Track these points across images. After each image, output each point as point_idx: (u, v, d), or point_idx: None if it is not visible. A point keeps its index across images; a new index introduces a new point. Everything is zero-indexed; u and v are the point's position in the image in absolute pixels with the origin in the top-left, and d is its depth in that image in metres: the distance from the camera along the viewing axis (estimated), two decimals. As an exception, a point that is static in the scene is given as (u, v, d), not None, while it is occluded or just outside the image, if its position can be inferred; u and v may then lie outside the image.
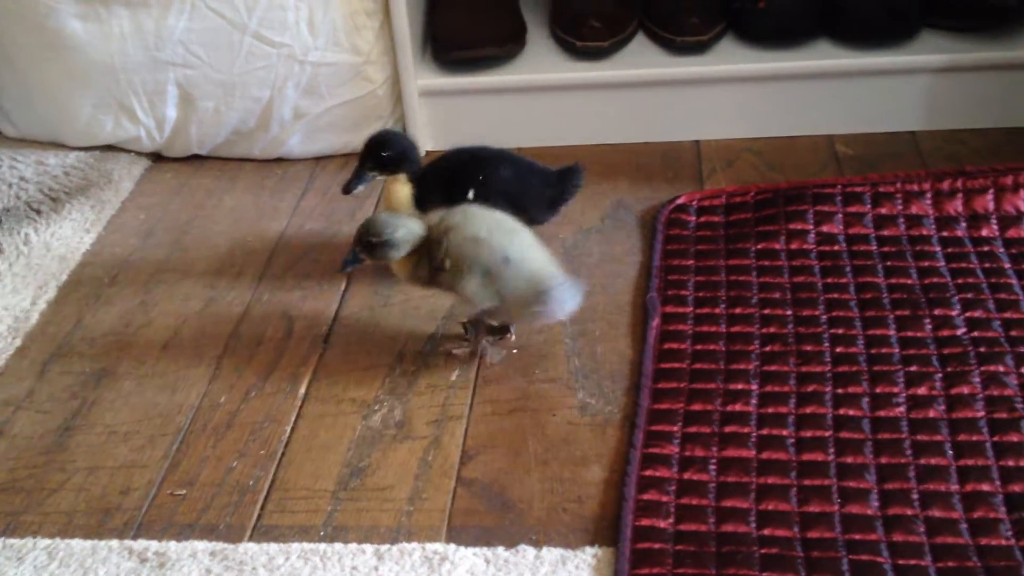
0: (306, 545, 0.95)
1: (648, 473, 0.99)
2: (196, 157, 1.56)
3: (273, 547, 0.95)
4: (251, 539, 0.97)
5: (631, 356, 1.15)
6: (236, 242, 1.38)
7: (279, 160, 1.55)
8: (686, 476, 0.98)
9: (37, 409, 1.13)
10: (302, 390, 1.13)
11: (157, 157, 1.57)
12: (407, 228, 1.10)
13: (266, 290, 1.29)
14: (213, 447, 1.07)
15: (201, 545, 0.96)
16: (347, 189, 1.21)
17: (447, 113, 1.54)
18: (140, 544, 0.96)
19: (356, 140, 1.52)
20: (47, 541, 0.97)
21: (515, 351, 1.17)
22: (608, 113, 1.53)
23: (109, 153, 1.56)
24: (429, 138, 1.55)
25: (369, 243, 1.10)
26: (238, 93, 1.49)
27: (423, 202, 1.21)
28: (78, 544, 0.97)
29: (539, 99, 1.53)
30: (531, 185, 1.23)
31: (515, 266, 1.08)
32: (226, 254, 1.36)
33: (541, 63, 1.55)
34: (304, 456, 1.05)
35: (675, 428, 1.04)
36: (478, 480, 1.01)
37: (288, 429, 1.09)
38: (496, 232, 1.09)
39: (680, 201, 1.37)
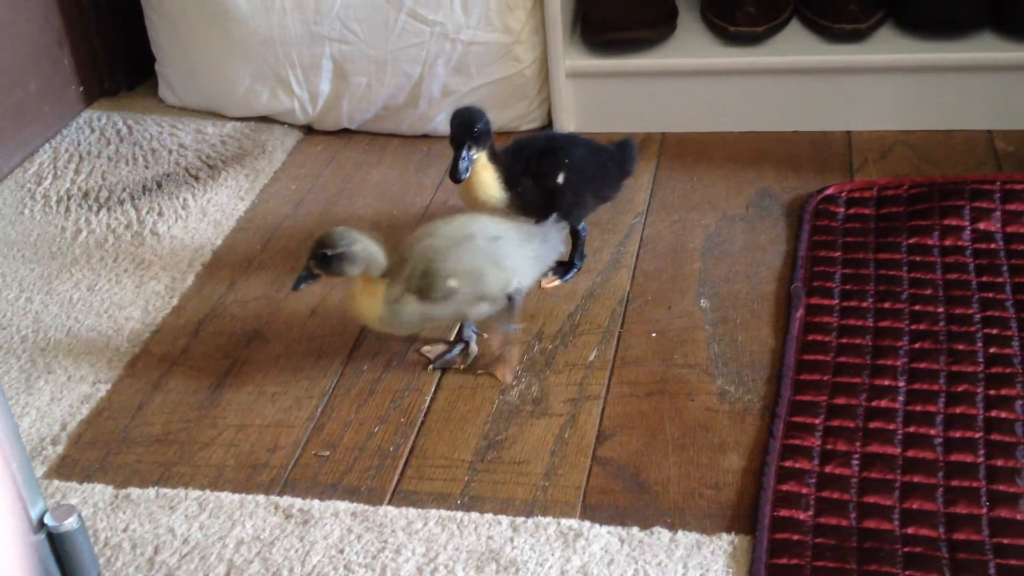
0: (443, 512, 0.97)
1: (788, 464, 0.98)
2: (346, 131, 1.60)
3: (412, 511, 0.97)
4: (391, 502, 0.99)
5: (773, 346, 1.13)
6: (382, 215, 1.41)
7: (425, 136, 1.58)
8: (827, 469, 0.97)
9: (191, 366, 1.18)
10: (443, 361, 1.15)
11: (309, 130, 1.62)
12: (364, 244, 1.05)
13: (410, 262, 1.31)
14: (356, 412, 1.10)
15: (343, 505, 0.98)
16: (456, 177, 1.15)
17: (593, 95, 1.54)
18: (285, 500, 1.00)
19: (501, 119, 1.54)
20: (198, 492, 1.01)
21: (654, 335, 1.16)
22: (758, 100, 1.50)
23: (264, 124, 1.61)
24: (573, 120, 1.55)
25: (324, 256, 1.04)
26: (390, 69, 1.52)
27: (514, 186, 1.19)
28: (227, 497, 1.00)
29: (688, 84, 1.51)
30: (602, 163, 1.24)
31: (504, 237, 1.08)
32: (371, 227, 1.39)
33: (692, 47, 1.53)
34: (443, 426, 1.07)
35: (817, 421, 1.02)
36: (614, 460, 1.02)
37: (428, 399, 1.11)
38: (465, 226, 1.08)
39: (829, 192, 1.35)
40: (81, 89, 1.68)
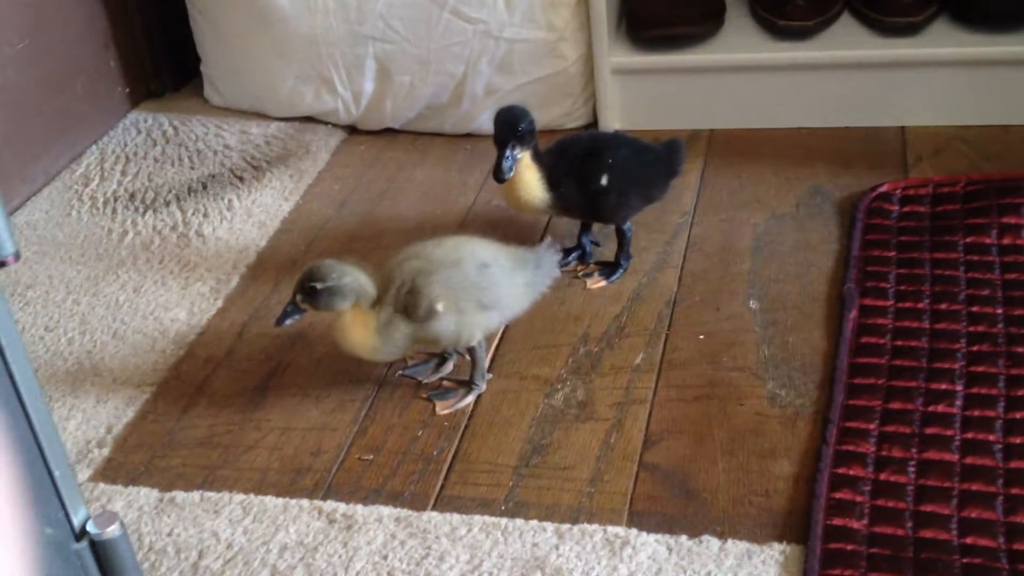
0: (488, 518, 0.96)
1: (841, 471, 0.95)
2: (389, 130, 1.59)
3: (456, 517, 0.96)
4: (434, 508, 0.98)
5: (825, 348, 1.11)
6: (425, 215, 1.40)
7: (468, 135, 1.56)
8: (882, 477, 0.94)
9: (235, 368, 1.17)
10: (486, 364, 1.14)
11: (352, 130, 1.61)
12: (354, 276, 1.02)
13: (454, 263, 1.30)
14: (399, 415, 1.09)
15: (387, 510, 0.97)
16: (500, 177, 1.15)
17: (639, 92, 1.51)
18: (329, 505, 0.99)
19: (546, 117, 1.52)
20: (242, 496, 1.01)
21: (702, 337, 1.14)
22: (808, 96, 1.47)
23: (308, 124, 1.61)
24: (619, 117, 1.53)
25: (312, 289, 1.00)
26: (433, 68, 1.51)
27: (556, 187, 1.18)
28: (271, 501, 1.00)
29: (736, 80, 1.49)
30: (648, 163, 1.22)
31: (494, 264, 1.05)
32: (415, 227, 1.38)
33: (740, 42, 1.51)
34: (487, 430, 1.06)
35: (871, 426, 0.99)
36: (661, 466, 1.00)
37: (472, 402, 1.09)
38: (455, 250, 1.05)
39: (883, 189, 1.31)
40: (127, 91, 1.68)
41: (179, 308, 1.26)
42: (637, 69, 1.50)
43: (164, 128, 1.63)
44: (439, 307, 1.02)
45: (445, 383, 1.11)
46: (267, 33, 1.54)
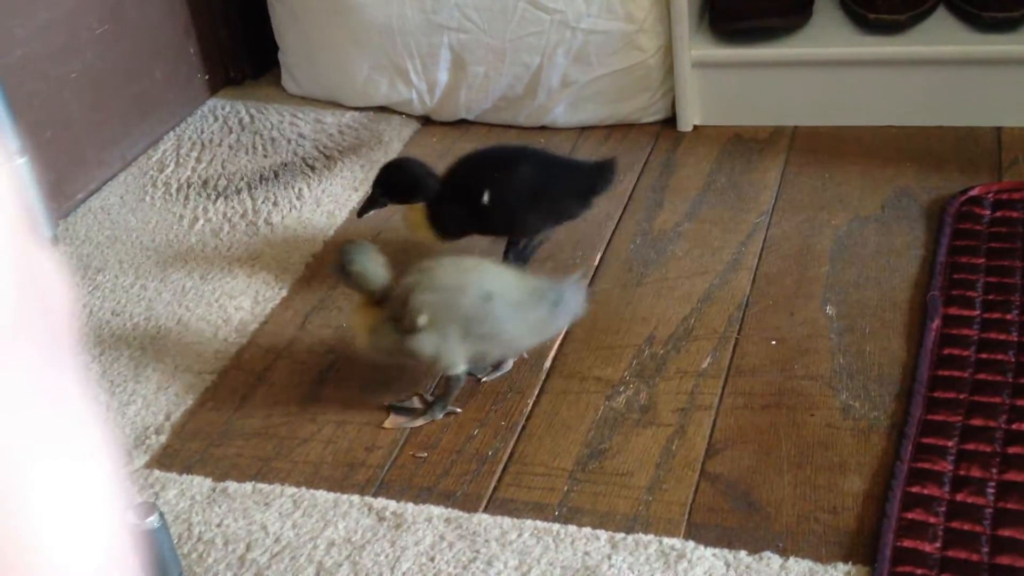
0: (540, 523, 0.93)
1: (915, 490, 0.90)
2: (463, 122, 1.57)
3: (507, 521, 0.93)
4: (486, 510, 0.95)
5: (904, 359, 1.05)
6: (495, 208, 1.37)
7: (543, 128, 1.53)
8: (959, 497, 0.88)
9: (296, 359, 1.16)
10: (547, 364, 1.11)
11: (426, 120, 1.59)
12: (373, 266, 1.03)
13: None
14: (456, 412, 1.06)
15: (437, 510, 0.95)
16: (360, 213, 1.21)
17: (720, 86, 1.46)
18: (380, 502, 0.97)
19: (623, 111, 1.49)
20: (293, 489, 1.00)
21: (773, 342, 1.09)
22: (898, 93, 1.40)
23: (382, 114, 1.59)
24: (698, 112, 1.48)
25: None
26: (508, 59, 1.48)
27: (440, 219, 1.17)
28: (322, 495, 0.98)
29: (823, 75, 1.43)
30: (557, 180, 1.18)
31: (500, 297, 1.00)
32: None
33: (828, 36, 1.45)
34: (544, 431, 1.03)
35: (950, 443, 0.93)
36: (723, 476, 0.95)
37: (530, 402, 1.06)
38: (463, 274, 1.02)
39: (974, 192, 1.24)
40: (207, 78, 1.69)
41: (244, 296, 1.26)
42: (719, 63, 1.46)
43: (241, 116, 1.63)
44: (420, 321, 0.99)
45: (415, 398, 1.08)
46: (343, 21, 1.53)
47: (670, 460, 0.98)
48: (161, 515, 0.75)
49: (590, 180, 1.19)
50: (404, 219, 1.22)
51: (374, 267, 1.03)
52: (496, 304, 1.00)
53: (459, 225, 1.19)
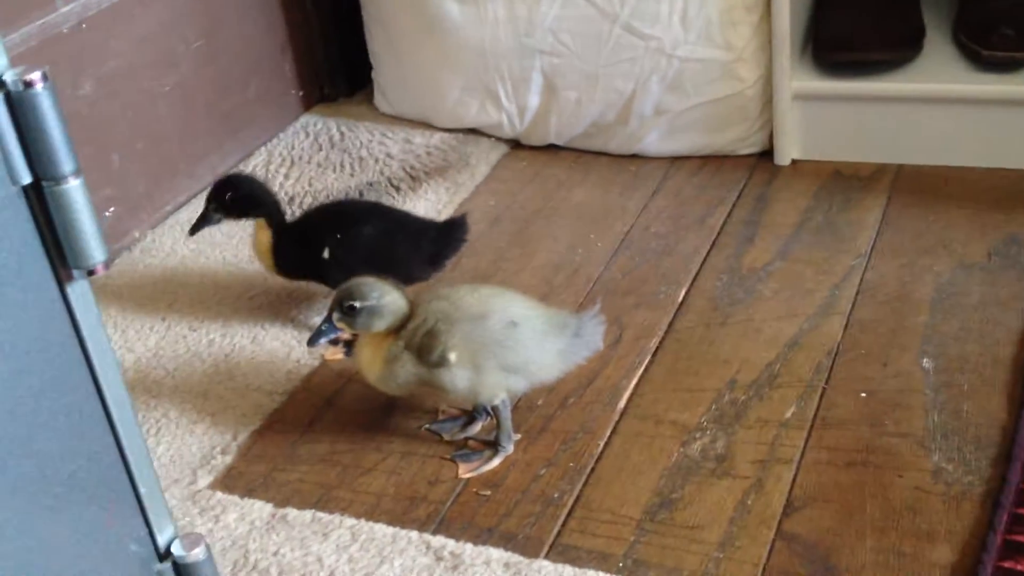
0: (602, 575, 0.88)
1: (1008, 564, 0.83)
2: (552, 147, 1.54)
3: (568, 570, 0.89)
4: (547, 556, 0.91)
5: (1004, 420, 0.98)
6: (579, 237, 1.34)
7: (633, 156, 1.49)
8: (1058, 579, 0.82)
9: (366, 385, 1.13)
10: (621, 404, 1.06)
11: (515, 144, 1.56)
12: (393, 297, 0.98)
13: (599, 292, 1.23)
14: (524, 451, 1.03)
15: (496, 553, 0.92)
16: (192, 230, 1.20)
17: (821, 120, 1.40)
18: (438, 540, 0.94)
19: (718, 142, 1.44)
20: (353, 521, 0.97)
21: (863, 395, 1.03)
22: (1013, 134, 1.33)
23: (471, 137, 1.57)
24: (797, 146, 1.42)
25: (351, 308, 0.97)
26: (601, 84, 1.44)
27: (281, 255, 1.18)
28: (381, 529, 0.96)
29: (931, 112, 1.36)
30: (401, 241, 1.15)
31: (528, 325, 0.96)
32: (566, 249, 1.32)
33: (938, 72, 1.38)
34: (613, 476, 0.99)
35: (1051, 517, 0.86)
36: (801, 537, 0.90)
37: (601, 444, 1.02)
38: (486, 302, 0.97)
39: (1090, 243, 1.16)
40: (301, 94, 1.69)
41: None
42: (821, 95, 1.40)
43: (331, 133, 1.63)
44: (451, 356, 0.96)
45: (471, 443, 1.04)
46: (436, 42, 1.52)
47: (745, 515, 0.93)
48: (207, 548, 0.73)
49: (437, 243, 1.17)
50: (252, 239, 1.21)
51: (400, 297, 0.99)
52: (522, 331, 0.97)
53: (299, 269, 1.20)
